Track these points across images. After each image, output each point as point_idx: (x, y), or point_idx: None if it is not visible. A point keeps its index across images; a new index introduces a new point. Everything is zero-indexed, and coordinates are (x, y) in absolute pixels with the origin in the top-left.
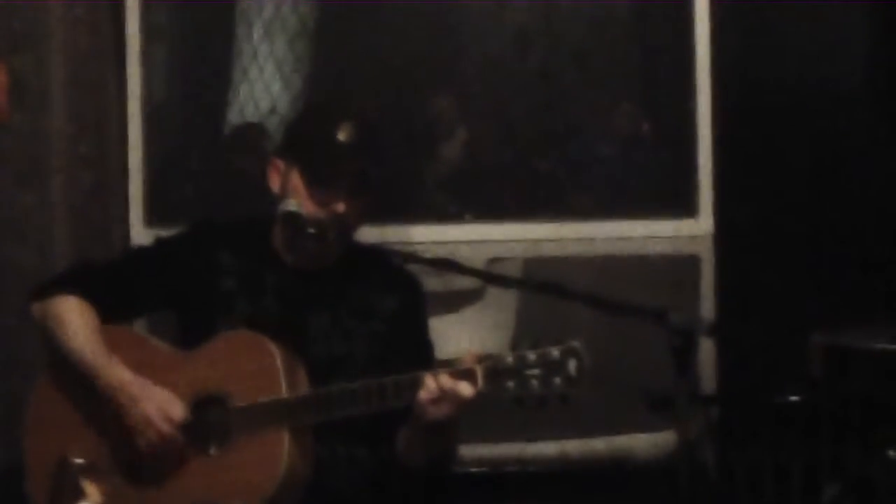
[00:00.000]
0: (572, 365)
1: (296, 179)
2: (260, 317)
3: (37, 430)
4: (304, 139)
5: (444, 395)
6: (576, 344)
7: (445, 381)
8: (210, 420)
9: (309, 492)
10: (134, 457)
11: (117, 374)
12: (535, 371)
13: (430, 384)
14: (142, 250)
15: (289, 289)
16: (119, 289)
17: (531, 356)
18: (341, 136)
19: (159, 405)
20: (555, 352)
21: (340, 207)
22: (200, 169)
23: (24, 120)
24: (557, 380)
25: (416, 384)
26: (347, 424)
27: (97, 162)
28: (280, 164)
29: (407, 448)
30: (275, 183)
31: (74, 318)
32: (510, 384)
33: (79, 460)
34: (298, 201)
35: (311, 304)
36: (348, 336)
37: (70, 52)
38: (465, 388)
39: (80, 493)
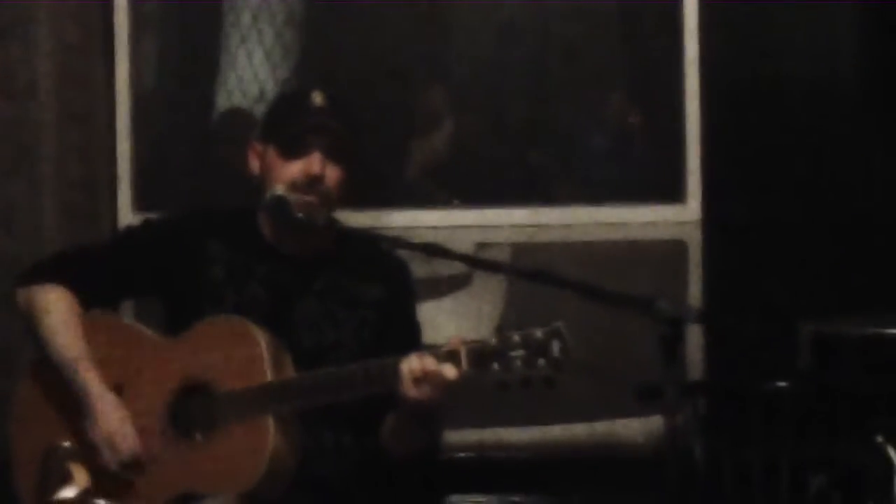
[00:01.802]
0: (556, 346)
1: (272, 156)
2: (247, 305)
3: (23, 419)
4: (276, 116)
5: (427, 377)
6: (559, 325)
7: (429, 362)
8: (196, 407)
9: (295, 480)
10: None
11: (87, 382)
12: (519, 352)
13: (415, 365)
14: (129, 234)
15: (276, 277)
16: (104, 273)
17: (515, 338)
18: (310, 101)
19: (111, 436)
20: (538, 333)
21: (316, 166)
22: (189, 157)
23: (12, 109)
24: (541, 361)
25: (400, 367)
26: (334, 412)
27: (86, 151)
28: (257, 146)
29: (392, 434)
30: (255, 166)
31: (54, 313)
32: (494, 366)
33: (66, 444)
34: (285, 185)
35: (298, 291)
36: (336, 323)
37: (58, 40)
38: (449, 370)
39: (68, 477)
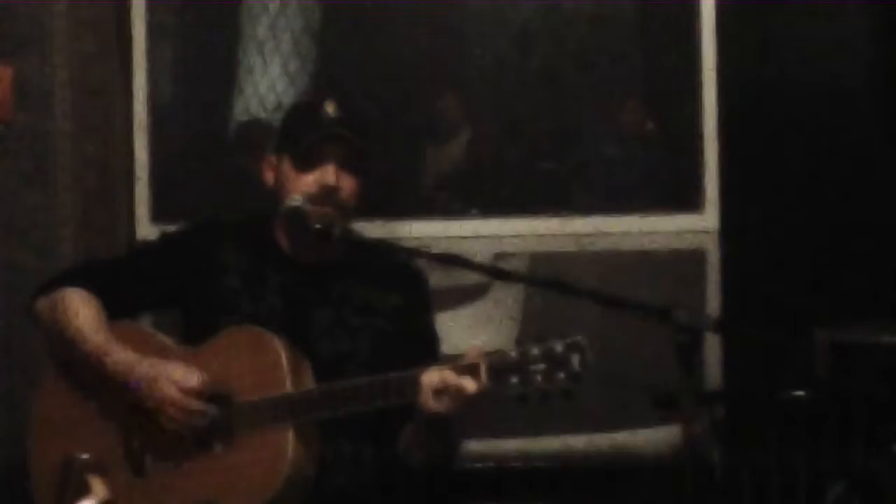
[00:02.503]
0: (576, 359)
1: (287, 167)
2: (264, 314)
3: (41, 429)
4: (289, 127)
5: (447, 390)
6: (579, 338)
7: (449, 375)
8: (215, 417)
9: (314, 490)
10: (140, 452)
11: (126, 357)
12: (539, 366)
13: (434, 378)
14: (146, 247)
15: (292, 286)
16: (123, 285)
17: (535, 351)
18: (323, 111)
19: (175, 379)
20: (558, 346)
21: (330, 177)
22: (206, 168)
23: (28, 120)
24: (561, 374)
25: (420, 380)
26: (353, 423)
27: (102, 162)
28: (272, 158)
29: (410, 444)
30: (269, 178)
31: (81, 308)
32: (514, 379)
33: (85, 456)
34: (301, 196)
35: (315, 301)
36: (352, 333)
37: (74, 51)
38: (469, 384)
39: (86, 489)
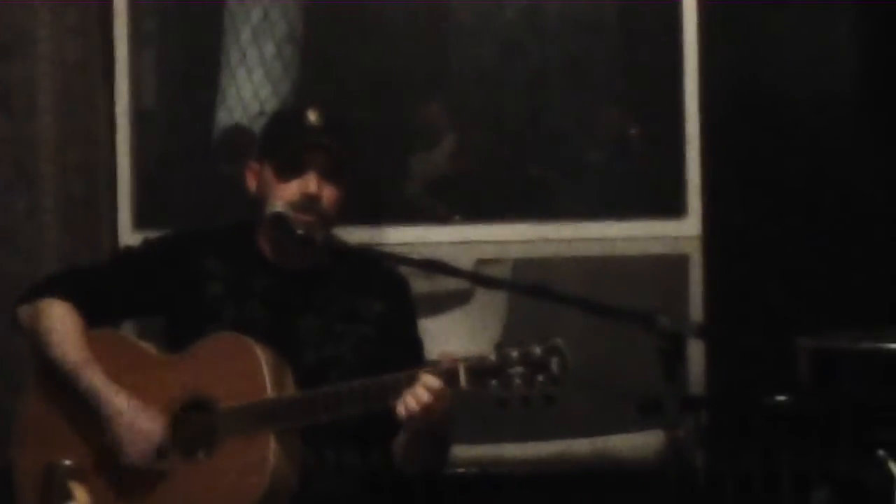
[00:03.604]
0: (555, 363)
1: (269, 175)
2: (247, 321)
3: (25, 435)
4: (271, 135)
5: (426, 396)
6: (558, 342)
7: (429, 380)
8: (196, 424)
9: (297, 497)
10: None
11: (99, 385)
12: (518, 369)
13: (410, 403)
14: (128, 253)
15: (276, 293)
16: (105, 292)
17: (514, 354)
18: (305, 120)
19: (132, 427)
20: (537, 350)
21: (312, 186)
22: (189, 174)
23: (11, 127)
24: (541, 377)
25: (399, 384)
26: (336, 429)
27: (86, 168)
28: (255, 165)
29: (404, 452)
30: (252, 185)
31: (60, 324)
32: (493, 383)
33: (67, 462)
34: (284, 203)
35: (298, 307)
36: (336, 339)
37: (58, 58)
38: (447, 388)
39: (69, 496)
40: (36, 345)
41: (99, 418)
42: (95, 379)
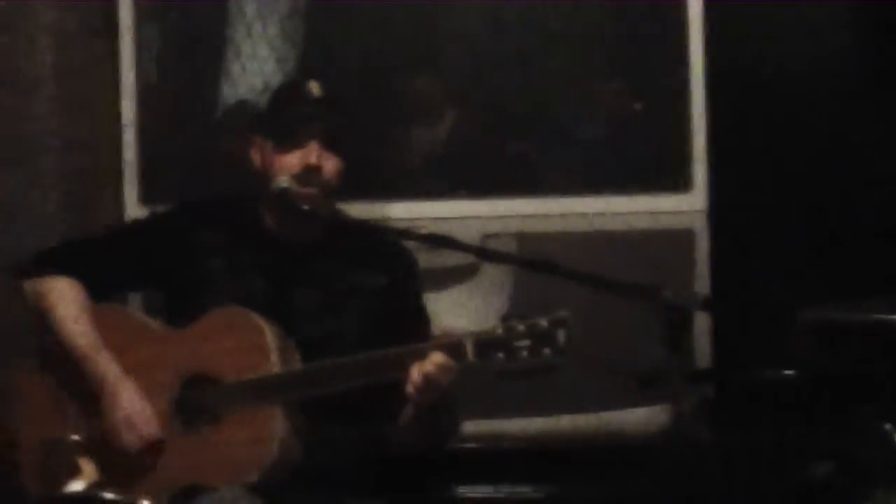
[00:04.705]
0: (561, 335)
1: (270, 148)
2: (249, 295)
3: (28, 411)
4: (272, 108)
5: (432, 369)
6: (564, 313)
7: (434, 354)
8: (202, 398)
9: (301, 471)
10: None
11: (103, 368)
12: (524, 342)
13: (416, 376)
14: (131, 226)
15: (278, 267)
16: (106, 266)
17: (520, 327)
18: (305, 92)
19: (131, 419)
20: (543, 322)
21: (313, 157)
22: (194, 149)
23: (14, 101)
24: (547, 350)
25: (405, 358)
26: (340, 402)
27: (89, 143)
28: (256, 138)
29: (409, 425)
30: (255, 159)
31: (66, 304)
32: (500, 356)
33: (74, 437)
34: (287, 177)
35: (300, 281)
36: (339, 313)
37: (59, 31)
38: (454, 361)
39: (76, 470)
40: (41, 323)
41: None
42: (99, 364)
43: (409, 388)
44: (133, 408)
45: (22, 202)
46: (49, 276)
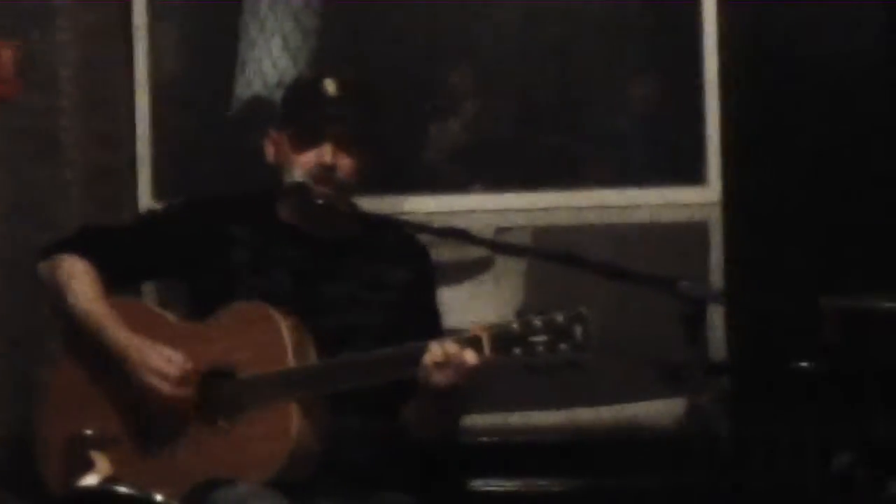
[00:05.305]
0: (578, 330)
1: (286, 145)
2: (271, 289)
3: (49, 406)
4: (289, 105)
5: (448, 362)
6: (582, 309)
7: (451, 348)
8: (219, 393)
9: (321, 464)
10: (144, 428)
11: (119, 336)
12: (542, 337)
13: (436, 350)
14: (151, 217)
15: (300, 260)
16: (125, 254)
17: (537, 322)
18: (322, 90)
19: (160, 367)
20: (560, 317)
21: (327, 157)
22: (209, 144)
23: (33, 97)
24: (564, 345)
25: (423, 353)
26: (360, 396)
27: (107, 139)
28: (274, 133)
29: (414, 417)
30: (271, 154)
31: (79, 280)
32: (517, 351)
33: (89, 431)
34: (304, 172)
35: (322, 275)
36: (361, 307)
37: (79, 28)
38: (471, 356)
39: (91, 465)
40: (54, 301)
41: (122, 376)
42: (115, 333)
43: (425, 380)
44: (161, 356)
45: (43, 198)
46: (65, 253)
